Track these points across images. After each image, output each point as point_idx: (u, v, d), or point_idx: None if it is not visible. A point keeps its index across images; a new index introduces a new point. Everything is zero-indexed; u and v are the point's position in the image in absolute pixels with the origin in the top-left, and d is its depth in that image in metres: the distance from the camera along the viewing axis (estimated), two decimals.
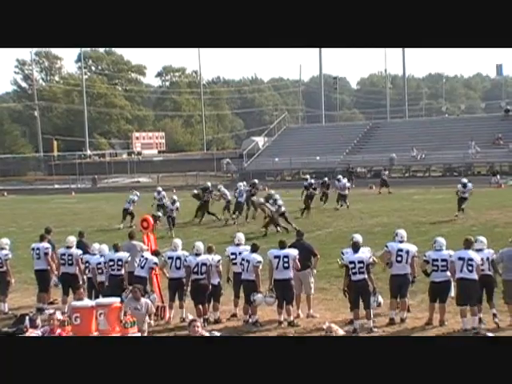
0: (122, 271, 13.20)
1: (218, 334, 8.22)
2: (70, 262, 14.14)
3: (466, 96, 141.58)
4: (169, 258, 13.08)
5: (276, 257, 12.36)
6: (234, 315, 13.03)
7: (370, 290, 11.73)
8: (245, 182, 29.20)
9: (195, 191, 28.56)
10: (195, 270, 12.48)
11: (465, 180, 25.52)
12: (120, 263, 13.23)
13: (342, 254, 12.44)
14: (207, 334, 7.73)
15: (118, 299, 11.16)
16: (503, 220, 23.19)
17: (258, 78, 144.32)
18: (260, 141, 63.47)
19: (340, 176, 31.70)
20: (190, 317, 11.63)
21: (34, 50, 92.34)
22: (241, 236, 13.64)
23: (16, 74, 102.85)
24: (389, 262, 12.26)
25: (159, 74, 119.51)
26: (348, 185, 30.53)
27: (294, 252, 12.49)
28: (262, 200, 24.29)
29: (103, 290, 13.03)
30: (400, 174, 51.91)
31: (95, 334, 10.33)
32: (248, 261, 12.46)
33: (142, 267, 13.19)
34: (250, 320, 12.46)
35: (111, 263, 13.26)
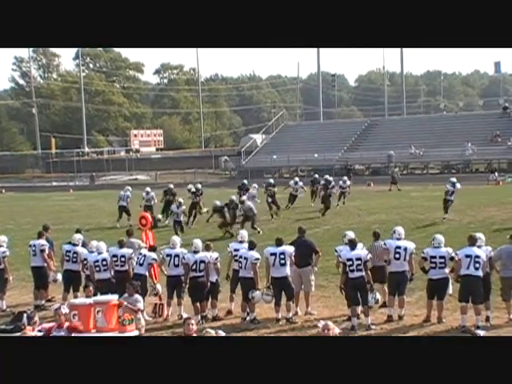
0: (126, 267, 13.21)
1: (223, 333, 8.19)
2: (74, 259, 14.14)
3: (464, 93, 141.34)
4: (167, 255, 13.09)
5: (272, 254, 12.40)
6: (230, 312, 13.07)
7: (367, 287, 11.77)
8: (255, 185, 27.84)
9: (217, 203, 23.56)
10: (193, 267, 12.52)
11: (454, 179, 24.98)
12: (123, 259, 13.25)
13: (336, 251, 12.44)
14: (213, 332, 7.70)
15: (115, 296, 11.20)
16: (501, 217, 23.19)
17: (256, 75, 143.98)
18: (258, 138, 63.34)
19: (345, 177, 31.85)
20: (185, 315, 11.64)
21: None
22: (244, 233, 13.68)
23: (14, 72, 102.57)
24: (387, 260, 12.29)
25: (157, 72, 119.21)
26: (348, 183, 30.83)
27: (290, 249, 12.53)
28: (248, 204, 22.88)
29: (105, 286, 12.95)
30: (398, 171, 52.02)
31: (93, 331, 10.37)
32: (246, 258, 12.49)
33: (141, 264, 13.23)
34: (248, 317, 12.50)
35: (114, 259, 13.30)
